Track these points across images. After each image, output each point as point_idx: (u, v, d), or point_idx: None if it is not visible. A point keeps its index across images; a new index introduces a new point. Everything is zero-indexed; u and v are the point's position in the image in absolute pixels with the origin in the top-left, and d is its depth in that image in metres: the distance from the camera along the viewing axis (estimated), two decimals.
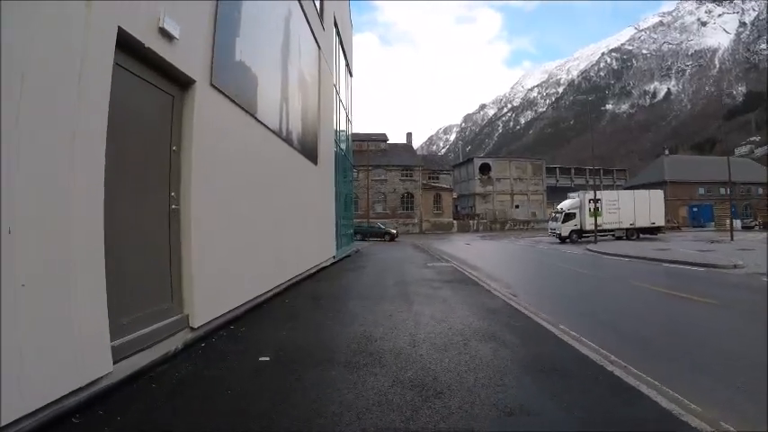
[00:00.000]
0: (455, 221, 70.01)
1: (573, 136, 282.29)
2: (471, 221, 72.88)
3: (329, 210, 16.86)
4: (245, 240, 7.30)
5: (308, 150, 12.72)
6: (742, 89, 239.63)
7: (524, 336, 6.14)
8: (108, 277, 3.78)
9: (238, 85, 7.00)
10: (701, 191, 74.10)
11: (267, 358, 5.01)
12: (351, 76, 26.45)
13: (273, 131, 8.93)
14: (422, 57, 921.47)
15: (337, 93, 20.05)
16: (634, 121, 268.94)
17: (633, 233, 37.56)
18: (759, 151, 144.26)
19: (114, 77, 3.94)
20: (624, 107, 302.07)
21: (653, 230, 38.87)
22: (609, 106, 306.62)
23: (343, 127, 22.76)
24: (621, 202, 37.55)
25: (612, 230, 36.88)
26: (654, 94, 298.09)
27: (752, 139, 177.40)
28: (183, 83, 5.44)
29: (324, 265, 15.19)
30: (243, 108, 7.15)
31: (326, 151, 16.04)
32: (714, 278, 13.33)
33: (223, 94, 6.38)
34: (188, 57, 5.34)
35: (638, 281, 12.90)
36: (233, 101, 6.74)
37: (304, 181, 12.31)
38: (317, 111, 14.37)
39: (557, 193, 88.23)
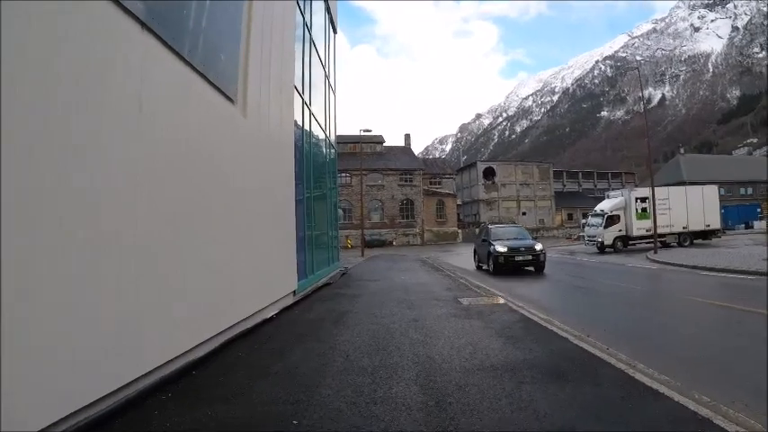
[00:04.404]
0: (460, 231, 62.59)
1: (569, 144, 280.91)
2: (477, 230, 65.52)
3: (283, 210, 9.43)
4: None
5: (207, 59, 5.46)
6: (736, 92, 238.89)
7: None
8: None
9: None
10: (722, 191, 67.49)
11: None
12: (335, 32, 19.42)
13: None
14: (419, 69, 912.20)
15: (307, 27, 12.83)
16: (629, 127, 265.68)
17: (686, 238, 30.45)
18: (757, 153, 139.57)
19: None
20: (619, 114, 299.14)
21: (705, 234, 31.60)
22: (604, 113, 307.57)
23: (319, 93, 15.60)
24: (672, 200, 30.07)
25: (663, 235, 29.14)
26: (648, 100, 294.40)
27: (748, 141, 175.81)
28: None
29: (266, 314, 7.77)
30: None
31: (275, 99, 8.67)
32: None
33: None
34: None
35: None
36: None
37: (182, 125, 4.97)
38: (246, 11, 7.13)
39: (564, 199, 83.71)
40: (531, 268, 17.34)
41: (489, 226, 21.03)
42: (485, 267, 18.98)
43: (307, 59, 12.82)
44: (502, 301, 10.10)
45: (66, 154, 3.18)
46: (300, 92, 11.59)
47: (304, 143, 12.11)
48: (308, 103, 12.56)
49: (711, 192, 32.59)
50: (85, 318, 3.35)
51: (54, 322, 3.00)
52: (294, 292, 9.97)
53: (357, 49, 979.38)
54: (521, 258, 17.09)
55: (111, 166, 3.68)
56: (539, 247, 17.39)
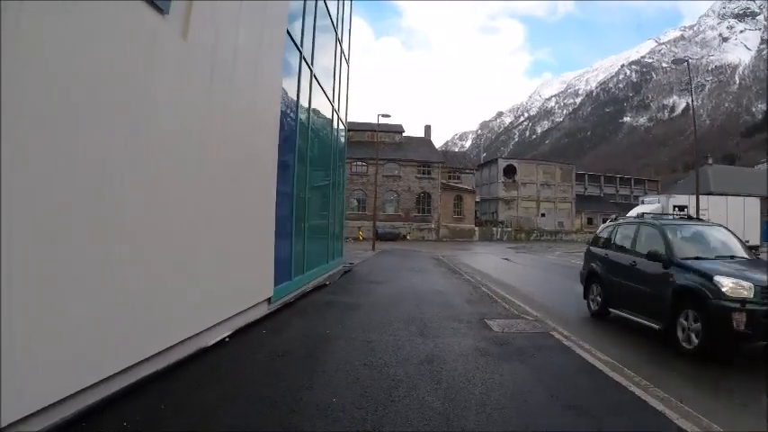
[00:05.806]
0: (477, 228, 59.88)
1: (589, 148, 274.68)
2: (495, 229, 62.71)
3: (254, 192, 6.85)
4: None
5: None
6: (762, 106, 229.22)
7: None
8: None
9: None
10: None
11: None
12: None
13: None
14: (442, 63, 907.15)
15: None
16: (651, 134, 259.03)
17: None
18: None
19: None
20: (642, 120, 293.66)
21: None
22: (627, 119, 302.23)
23: (327, 56, 13.19)
24: (711, 211, 27.08)
25: None
26: (672, 108, 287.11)
27: None
28: None
29: (209, 339, 5.32)
30: None
31: (250, 35, 6.19)
32: None
33: None
34: None
35: None
36: None
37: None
38: None
39: (585, 202, 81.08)
40: None
41: (659, 224, 8.15)
42: (622, 314, 8.14)
43: (311, 6, 10.33)
44: (540, 326, 7.59)
45: None
46: (298, 44, 9.08)
47: (300, 111, 9.62)
48: (308, 62, 10.05)
49: (753, 205, 30.14)
50: None
51: None
52: (269, 299, 7.50)
53: (381, 41, 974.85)
54: None
55: None
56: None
